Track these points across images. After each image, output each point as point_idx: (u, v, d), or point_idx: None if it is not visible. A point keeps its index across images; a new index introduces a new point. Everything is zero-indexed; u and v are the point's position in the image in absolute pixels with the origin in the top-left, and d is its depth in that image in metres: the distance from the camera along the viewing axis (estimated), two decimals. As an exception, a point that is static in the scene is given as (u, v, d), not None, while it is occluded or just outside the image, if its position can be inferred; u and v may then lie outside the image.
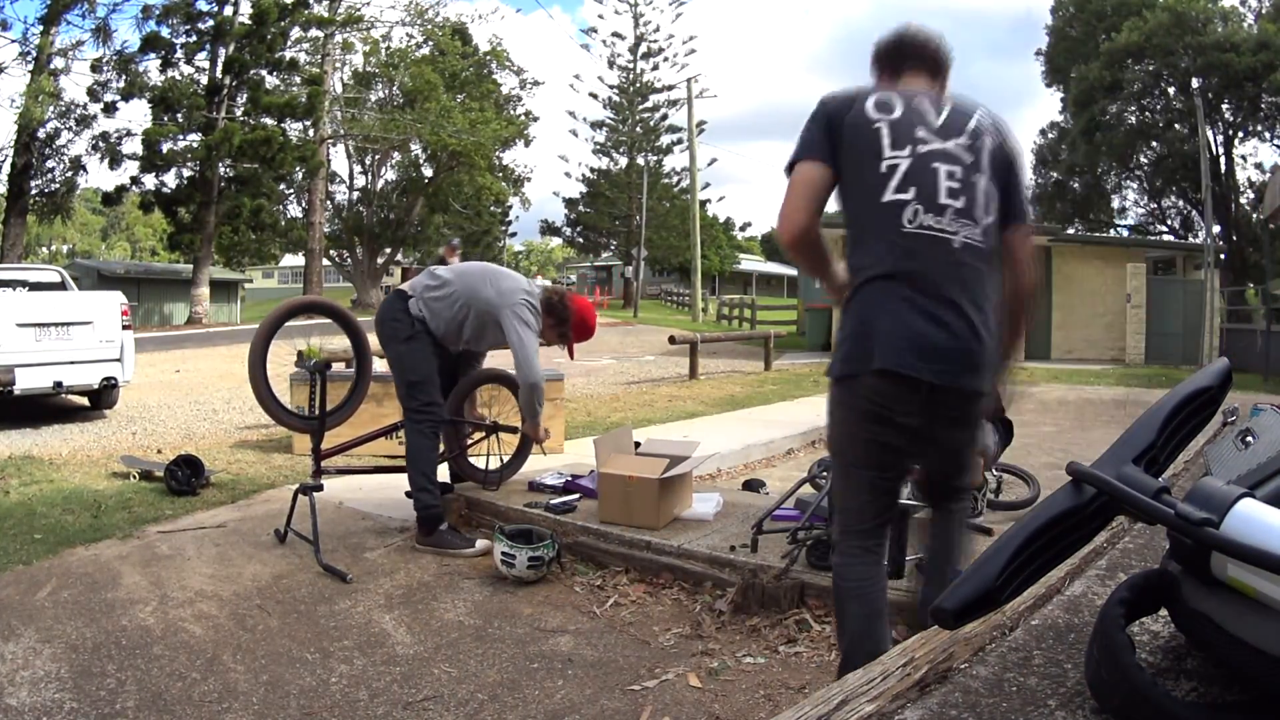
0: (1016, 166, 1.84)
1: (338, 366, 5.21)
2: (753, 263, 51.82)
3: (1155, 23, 23.73)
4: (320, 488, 3.58)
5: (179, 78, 24.05)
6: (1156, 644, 1.09)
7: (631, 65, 37.07)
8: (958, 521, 2.03)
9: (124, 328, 6.88)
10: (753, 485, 4.73)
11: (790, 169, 1.82)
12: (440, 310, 3.61)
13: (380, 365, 4.84)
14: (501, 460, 4.14)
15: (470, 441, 4.12)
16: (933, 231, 1.68)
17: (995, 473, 3.92)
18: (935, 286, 1.68)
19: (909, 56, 1.92)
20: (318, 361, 3.68)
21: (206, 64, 24.54)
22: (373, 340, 3.89)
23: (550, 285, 3.85)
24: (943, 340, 1.67)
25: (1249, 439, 1.34)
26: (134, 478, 4.81)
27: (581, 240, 41.13)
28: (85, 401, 7.59)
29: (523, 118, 36.04)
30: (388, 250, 34.86)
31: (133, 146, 23.71)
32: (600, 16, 38.58)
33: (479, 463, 4.11)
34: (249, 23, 23.88)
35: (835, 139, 1.79)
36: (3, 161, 21.70)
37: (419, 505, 3.55)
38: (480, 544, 3.47)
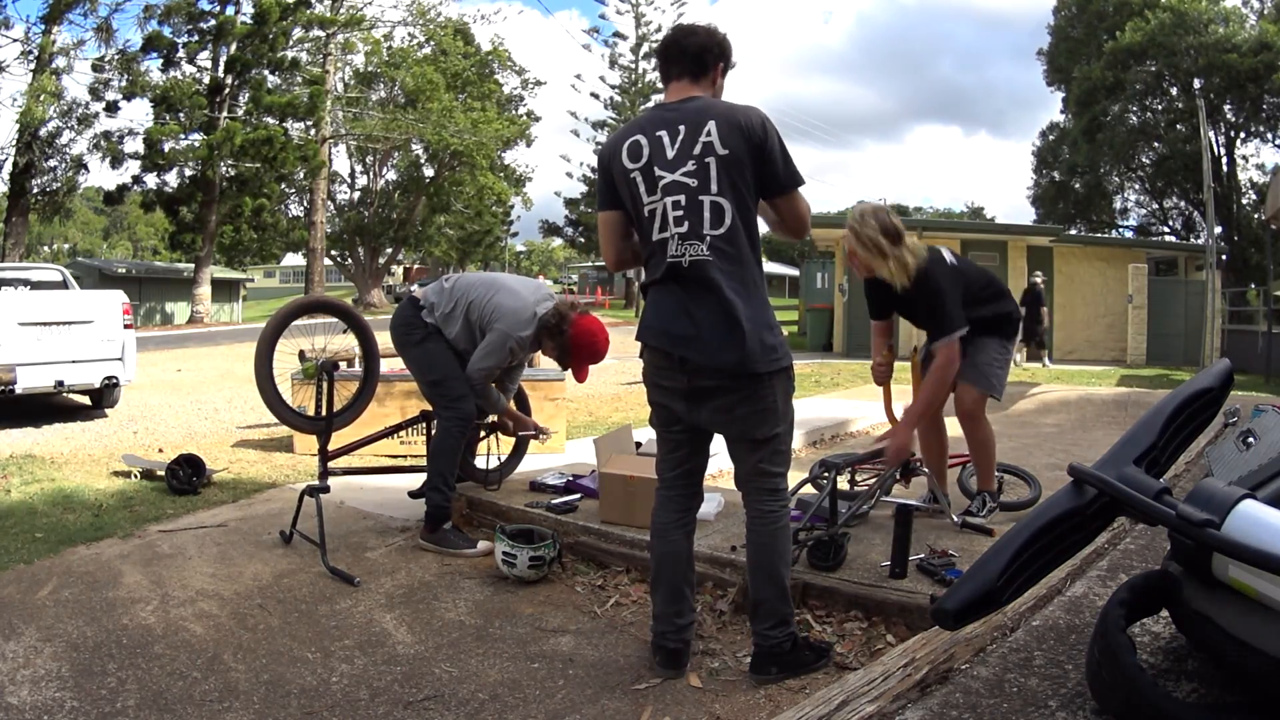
0: (762, 154, 2.19)
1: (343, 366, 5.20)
2: (754, 263, 51.70)
3: (1157, 23, 23.69)
4: (327, 489, 3.57)
5: (181, 77, 24.07)
6: (1157, 645, 1.09)
7: (633, 65, 37.05)
8: (767, 528, 2.34)
9: (125, 327, 6.89)
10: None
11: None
12: (445, 317, 3.58)
13: (386, 366, 4.84)
14: (500, 459, 4.14)
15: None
16: (674, 259, 2.19)
17: (997, 473, 3.91)
18: (683, 293, 2.20)
19: (671, 63, 2.31)
20: (324, 361, 3.66)
21: (208, 63, 24.58)
22: (383, 341, 3.88)
23: (562, 300, 3.66)
24: (687, 328, 2.18)
25: (1250, 440, 1.34)
26: (135, 477, 4.81)
27: (583, 240, 41.11)
28: (87, 400, 7.60)
29: (524, 118, 36.03)
30: (389, 250, 34.85)
31: (134, 146, 23.76)
32: (602, 16, 38.77)
33: (478, 462, 4.11)
34: (251, 23, 23.88)
35: (613, 186, 2.31)
36: (4, 160, 21.71)
37: (430, 501, 3.53)
38: (482, 545, 3.47)
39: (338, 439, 3.80)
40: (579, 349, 3.56)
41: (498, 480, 4.05)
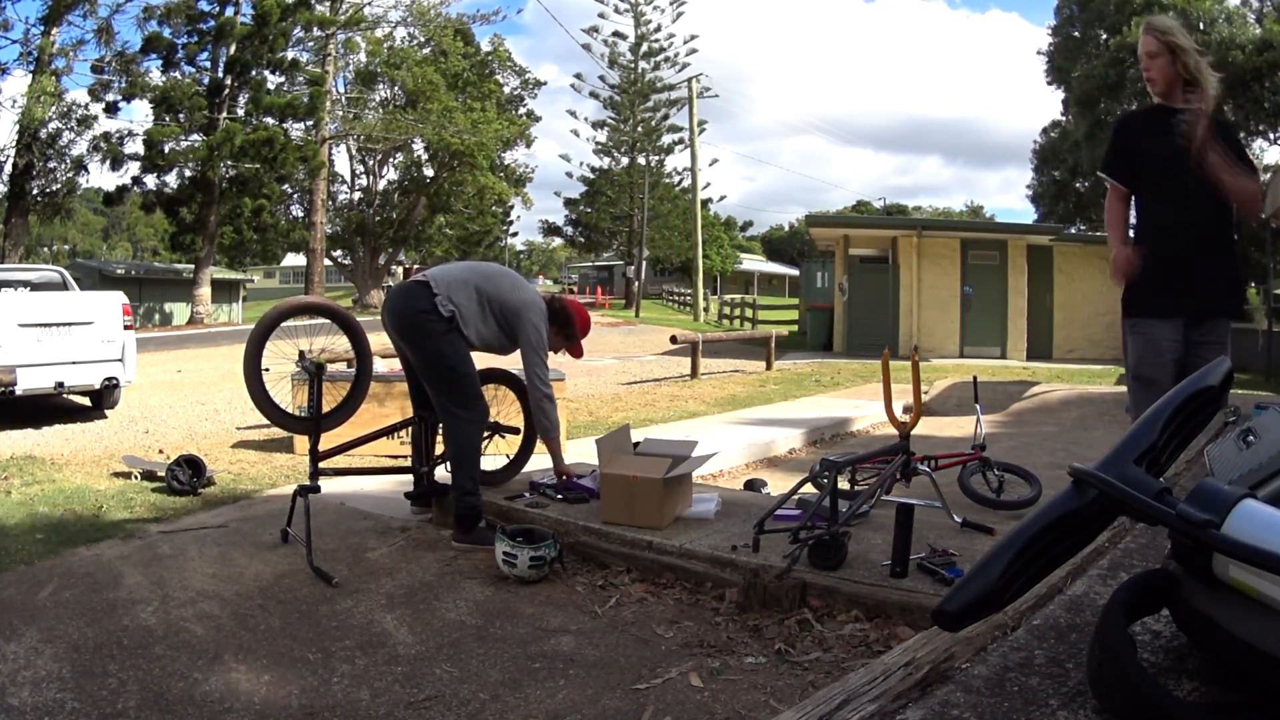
0: None
1: (337, 367, 5.20)
2: (754, 262, 51.75)
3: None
4: (317, 489, 3.55)
5: (180, 78, 24.09)
6: (1158, 644, 1.09)
7: (633, 65, 37.02)
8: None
9: (125, 328, 6.89)
10: (754, 485, 4.73)
11: None
12: (468, 311, 3.53)
13: (381, 366, 4.82)
14: (508, 458, 4.14)
15: None
16: None
17: (997, 472, 3.92)
18: None
19: None
20: (308, 362, 3.65)
21: (208, 64, 24.60)
22: (374, 339, 3.87)
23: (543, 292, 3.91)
24: None
25: (1250, 438, 1.34)
26: (136, 478, 4.81)
27: (583, 240, 41.12)
28: (87, 402, 7.60)
29: (524, 118, 36.05)
30: (389, 250, 34.85)
31: (134, 147, 23.78)
32: (601, 16, 38.30)
33: (485, 463, 4.10)
34: (250, 23, 23.89)
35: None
36: (4, 162, 21.72)
37: (462, 505, 3.50)
38: None
39: (334, 438, 3.79)
40: (579, 320, 3.77)
41: (500, 481, 4.04)
